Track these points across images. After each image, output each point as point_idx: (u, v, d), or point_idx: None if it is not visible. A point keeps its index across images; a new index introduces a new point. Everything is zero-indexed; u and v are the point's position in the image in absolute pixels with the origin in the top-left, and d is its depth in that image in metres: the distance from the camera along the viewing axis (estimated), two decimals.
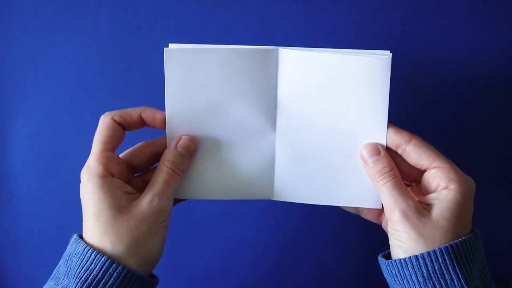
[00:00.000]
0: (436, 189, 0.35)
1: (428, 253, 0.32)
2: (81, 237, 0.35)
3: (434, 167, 0.36)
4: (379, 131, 0.37)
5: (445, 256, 0.32)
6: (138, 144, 0.39)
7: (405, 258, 0.33)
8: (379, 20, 0.51)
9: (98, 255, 0.32)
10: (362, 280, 0.54)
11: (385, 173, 0.36)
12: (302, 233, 0.54)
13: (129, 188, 0.35)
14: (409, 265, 0.33)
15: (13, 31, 0.52)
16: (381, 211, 0.40)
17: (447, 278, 0.32)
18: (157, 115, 0.38)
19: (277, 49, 0.37)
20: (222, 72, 0.36)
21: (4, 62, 0.52)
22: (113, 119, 0.37)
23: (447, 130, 0.52)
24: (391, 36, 0.51)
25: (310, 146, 0.38)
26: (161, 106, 0.52)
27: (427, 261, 0.32)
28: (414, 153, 0.36)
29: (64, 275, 0.34)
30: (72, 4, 0.51)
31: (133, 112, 0.38)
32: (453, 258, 0.32)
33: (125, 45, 0.52)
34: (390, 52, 0.37)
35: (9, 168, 0.54)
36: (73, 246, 0.34)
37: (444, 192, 0.34)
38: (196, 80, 0.36)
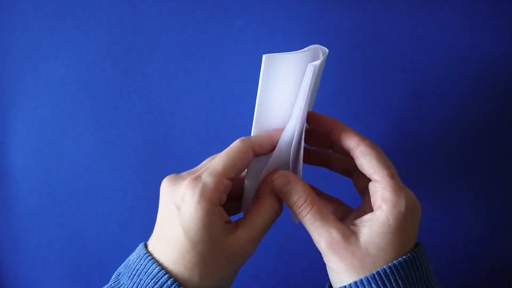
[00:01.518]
0: (374, 205, 0.33)
1: (355, 282, 0.30)
2: (151, 254, 0.32)
3: (374, 180, 0.33)
4: (297, 125, 0.34)
5: (373, 285, 0.30)
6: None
7: None
8: (379, 19, 0.51)
9: (175, 284, 0.30)
10: None
11: (301, 205, 0.33)
12: (302, 232, 0.54)
13: (226, 217, 0.32)
14: None
15: (13, 31, 0.52)
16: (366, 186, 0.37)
17: None
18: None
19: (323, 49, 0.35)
20: (296, 78, 0.34)
21: (4, 62, 0.52)
22: (252, 149, 0.33)
23: (447, 130, 0.52)
24: (391, 36, 0.51)
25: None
26: (161, 106, 0.52)
27: None
28: (359, 160, 0.34)
29: None
30: (72, 4, 0.51)
31: (273, 140, 0.34)
32: (384, 285, 0.30)
33: (125, 45, 0.52)
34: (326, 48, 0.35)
35: (9, 168, 0.54)
36: (143, 262, 0.31)
37: (377, 213, 0.31)
38: (280, 88, 0.34)
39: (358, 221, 0.32)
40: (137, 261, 0.32)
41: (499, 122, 0.51)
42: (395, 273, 0.30)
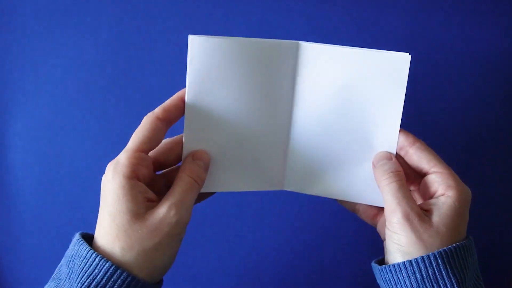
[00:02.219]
0: (434, 194, 0.35)
1: (422, 258, 0.32)
2: (83, 237, 0.34)
3: (434, 172, 0.36)
4: (391, 130, 0.37)
5: (439, 261, 0.32)
6: (165, 140, 0.38)
7: (399, 263, 0.33)
8: (379, 19, 0.51)
9: (103, 260, 0.31)
10: (361, 281, 0.54)
11: (390, 173, 0.36)
12: (302, 233, 0.54)
13: (150, 195, 0.34)
14: (403, 270, 0.33)
15: (13, 31, 0.52)
16: (377, 212, 0.40)
17: (440, 283, 0.32)
18: None
19: (298, 43, 0.37)
20: (241, 64, 0.36)
21: (4, 62, 0.52)
22: (157, 118, 0.35)
23: (447, 130, 0.52)
24: (391, 35, 0.51)
25: (323, 140, 0.38)
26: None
27: (421, 266, 0.32)
28: (416, 156, 0.36)
29: (66, 277, 0.33)
30: (72, 4, 0.51)
31: (175, 101, 0.36)
32: (447, 264, 0.32)
33: (125, 45, 0.52)
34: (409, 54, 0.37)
35: (9, 168, 0.54)
36: (75, 247, 0.33)
37: (442, 198, 0.34)
38: (217, 71, 0.36)
39: (423, 205, 0.35)
40: (71, 248, 0.34)
41: (499, 122, 0.51)
42: (461, 253, 0.33)
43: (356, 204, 0.40)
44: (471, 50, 0.51)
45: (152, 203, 0.34)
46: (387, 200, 0.35)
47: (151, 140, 0.35)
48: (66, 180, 0.53)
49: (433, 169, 0.36)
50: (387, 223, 0.35)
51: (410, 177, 0.38)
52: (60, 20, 0.52)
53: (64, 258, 0.35)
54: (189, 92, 0.36)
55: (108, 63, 0.52)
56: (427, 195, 0.36)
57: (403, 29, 0.51)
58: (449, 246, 0.33)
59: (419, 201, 0.38)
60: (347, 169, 0.39)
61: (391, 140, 0.38)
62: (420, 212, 0.34)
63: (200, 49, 0.36)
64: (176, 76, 0.52)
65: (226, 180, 0.39)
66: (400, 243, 0.34)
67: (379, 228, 0.40)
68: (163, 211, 0.33)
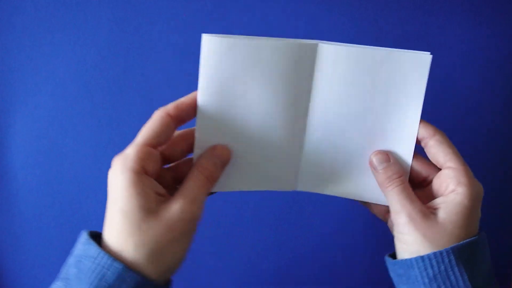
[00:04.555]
0: (445, 190, 0.35)
1: (434, 253, 0.32)
2: (93, 236, 0.33)
3: (448, 167, 0.36)
4: (409, 131, 0.37)
5: (451, 257, 0.32)
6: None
7: (411, 259, 0.33)
8: (379, 19, 0.51)
9: (115, 262, 0.30)
10: (365, 279, 0.54)
11: (394, 179, 0.36)
12: (303, 232, 0.54)
13: (160, 189, 0.33)
14: (415, 266, 0.33)
15: (13, 31, 0.52)
16: (388, 208, 0.40)
17: (452, 279, 0.32)
18: None
19: (316, 43, 0.37)
20: (257, 65, 0.36)
21: (4, 62, 0.52)
22: (168, 114, 0.35)
23: (447, 130, 0.52)
24: (390, 35, 0.51)
25: (339, 140, 0.38)
26: (161, 106, 0.52)
27: (433, 262, 0.32)
28: (434, 148, 0.36)
29: (75, 278, 0.32)
30: (72, 4, 0.51)
31: (189, 100, 0.36)
32: (459, 260, 0.32)
33: (126, 45, 0.52)
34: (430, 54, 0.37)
35: (9, 168, 0.54)
36: (84, 246, 0.32)
37: (452, 195, 0.34)
38: (231, 72, 0.35)
39: (430, 204, 0.35)
40: (79, 247, 0.33)
41: (499, 122, 0.51)
42: (472, 249, 0.33)
43: None
44: (471, 50, 0.51)
45: (162, 198, 0.33)
46: (392, 203, 0.35)
47: (160, 136, 0.34)
48: (66, 180, 0.53)
49: (447, 164, 0.36)
50: (394, 226, 0.35)
51: (422, 173, 0.38)
52: (60, 20, 0.52)
53: (71, 257, 0.33)
54: (201, 93, 0.36)
55: (108, 63, 0.52)
56: (440, 191, 0.36)
57: (403, 29, 0.51)
58: (461, 242, 0.33)
59: (431, 197, 0.37)
60: (361, 169, 0.39)
61: (409, 142, 0.37)
62: (425, 211, 0.34)
63: (214, 49, 0.34)
64: (176, 76, 0.52)
65: (237, 180, 0.38)
66: (407, 243, 0.34)
67: (389, 224, 0.40)
68: (177, 207, 0.32)
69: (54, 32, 0.52)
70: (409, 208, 0.34)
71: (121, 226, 0.31)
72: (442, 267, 0.32)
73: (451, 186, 0.35)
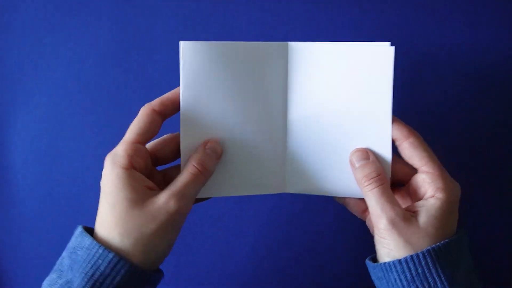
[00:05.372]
0: (424, 195, 0.35)
1: (411, 256, 0.32)
2: (86, 229, 0.35)
3: (424, 172, 0.35)
4: (384, 124, 0.37)
5: (428, 259, 0.32)
6: (164, 136, 0.39)
7: (389, 262, 0.33)
8: (379, 19, 0.51)
9: (105, 250, 0.32)
10: (361, 280, 0.54)
11: (372, 178, 0.35)
12: (302, 232, 0.54)
13: (149, 183, 0.35)
14: (393, 269, 0.33)
15: (13, 31, 0.52)
16: (366, 207, 0.39)
17: (430, 281, 0.32)
18: None
19: (287, 44, 0.37)
20: (232, 67, 0.37)
21: (4, 62, 0.52)
22: (154, 110, 0.36)
23: (447, 130, 0.52)
24: (390, 34, 0.51)
25: (319, 137, 0.38)
26: None
27: (410, 265, 0.32)
28: (408, 151, 0.36)
29: (68, 269, 0.33)
30: (72, 4, 0.51)
31: (173, 95, 0.37)
32: (436, 261, 0.32)
33: (125, 45, 0.52)
34: (391, 45, 0.37)
35: (9, 168, 0.54)
36: (78, 239, 0.34)
37: (432, 200, 0.34)
38: (210, 75, 0.37)
39: (411, 207, 0.35)
40: (73, 239, 0.35)
41: (499, 122, 0.51)
42: (449, 249, 0.33)
43: (345, 198, 0.40)
44: (471, 50, 0.51)
45: (152, 191, 0.34)
46: (371, 206, 0.35)
47: (147, 132, 0.36)
48: (66, 180, 0.53)
49: (423, 168, 0.36)
50: (374, 229, 0.35)
51: (399, 173, 0.37)
52: (60, 20, 0.52)
53: (66, 250, 0.35)
54: (183, 96, 0.37)
55: (108, 63, 0.52)
56: (417, 195, 0.36)
57: (403, 29, 0.51)
58: (437, 244, 0.33)
59: (408, 200, 0.38)
60: (341, 165, 0.38)
61: (385, 135, 0.37)
62: (406, 215, 0.34)
63: (191, 54, 0.36)
64: (176, 76, 0.52)
65: (226, 185, 0.39)
66: (389, 247, 0.34)
67: (367, 223, 0.40)
68: (162, 199, 0.34)
69: (54, 32, 0.52)
70: (390, 212, 0.34)
71: (108, 217, 0.33)
72: (420, 270, 0.32)
73: (430, 192, 0.35)
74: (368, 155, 0.37)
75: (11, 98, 0.53)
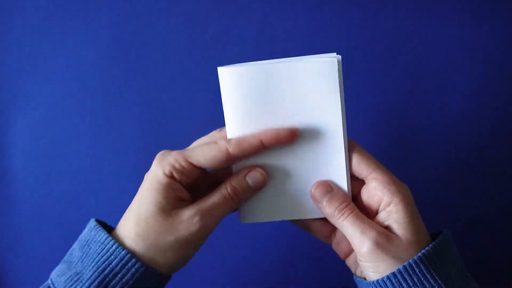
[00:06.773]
0: (379, 203, 0.35)
1: (404, 267, 0.32)
2: (100, 223, 0.35)
3: (373, 178, 0.35)
4: (337, 140, 0.35)
5: (421, 266, 0.32)
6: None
7: (383, 278, 0.33)
8: (379, 19, 0.51)
9: (119, 247, 0.32)
10: None
11: (343, 210, 0.34)
12: (302, 232, 0.54)
13: (184, 195, 0.34)
14: (388, 284, 0.32)
15: (13, 31, 0.52)
16: (331, 231, 0.39)
17: (427, 286, 0.32)
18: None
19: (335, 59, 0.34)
20: (273, 89, 0.35)
21: (4, 62, 0.52)
22: (227, 152, 0.34)
23: (447, 130, 0.52)
24: (390, 35, 0.51)
25: (289, 163, 0.37)
26: (163, 106, 0.52)
27: (405, 275, 0.32)
28: (355, 161, 0.35)
29: (79, 260, 0.33)
30: (72, 4, 0.51)
31: (253, 142, 0.34)
32: (429, 266, 0.32)
33: (125, 46, 0.52)
34: (337, 54, 0.35)
35: (9, 168, 0.54)
36: (92, 232, 0.34)
37: (392, 207, 0.34)
38: (249, 98, 0.35)
39: (379, 223, 0.34)
40: (86, 232, 0.34)
41: (499, 121, 0.51)
42: (438, 250, 0.33)
43: (308, 223, 0.39)
44: (471, 50, 0.51)
45: (183, 203, 0.34)
46: (350, 234, 0.34)
47: (209, 165, 0.34)
48: (66, 180, 0.53)
49: (372, 175, 0.35)
50: (358, 256, 0.34)
51: (353, 184, 0.37)
52: (60, 20, 0.52)
53: (77, 242, 0.35)
54: (228, 124, 0.35)
55: (108, 63, 0.52)
56: (372, 205, 0.35)
57: (403, 29, 0.51)
58: (426, 248, 0.32)
59: (363, 211, 0.36)
60: (303, 188, 0.36)
61: (339, 151, 0.35)
62: (386, 233, 0.33)
63: (230, 79, 0.34)
64: (176, 76, 0.52)
65: (268, 210, 0.37)
66: (378, 270, 0.33)
67: (334, 247, 0.39)
68: (188, 213, 0.33)
69: (54, 32, 0.52)
70: (371, 234, 0.33)
71: (132, 216, 0.33)
72: (415, 278, 0.32)
73: (386, 198, 0.34)
74: (330, 186, 0.36)
75: (11, 98, 0.53)
